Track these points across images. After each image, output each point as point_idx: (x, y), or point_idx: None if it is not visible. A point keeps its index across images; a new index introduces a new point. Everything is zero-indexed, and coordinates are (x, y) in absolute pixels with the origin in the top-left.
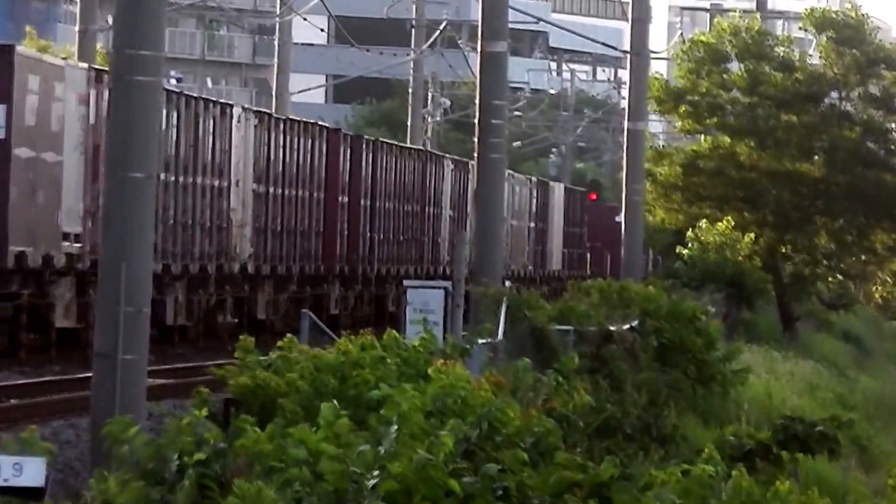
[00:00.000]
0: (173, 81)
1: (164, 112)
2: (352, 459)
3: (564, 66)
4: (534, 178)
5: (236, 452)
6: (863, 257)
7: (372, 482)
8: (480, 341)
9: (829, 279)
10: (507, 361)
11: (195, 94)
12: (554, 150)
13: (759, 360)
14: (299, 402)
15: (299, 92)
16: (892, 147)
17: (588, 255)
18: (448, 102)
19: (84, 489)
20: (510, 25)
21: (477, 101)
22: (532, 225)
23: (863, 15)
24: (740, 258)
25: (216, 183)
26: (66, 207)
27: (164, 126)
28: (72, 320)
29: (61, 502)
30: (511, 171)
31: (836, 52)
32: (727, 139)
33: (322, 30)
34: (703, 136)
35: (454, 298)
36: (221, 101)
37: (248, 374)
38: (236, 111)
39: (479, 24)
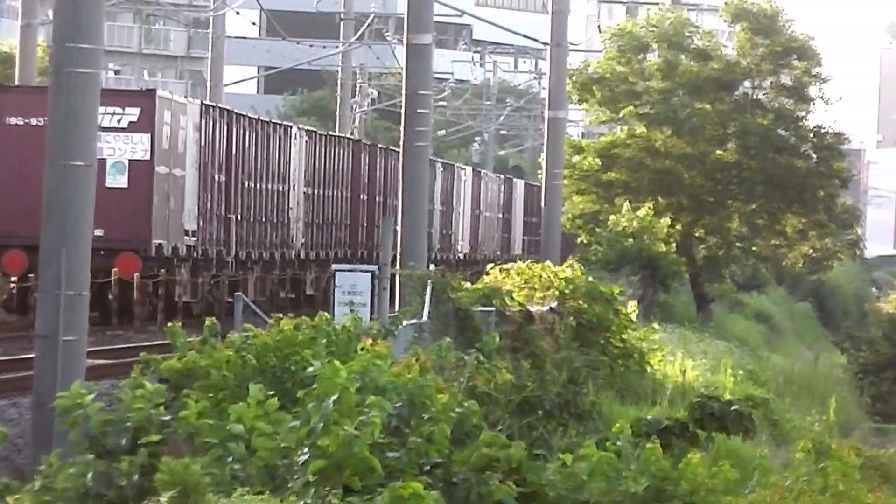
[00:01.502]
0: (111, 74)
1: (246, 133)
2: (283, 436)
3: (487, 58)
4: (501, 176)
5: (176, 428)
6: (774, 240)
7: (302, 458)
8: (406, 322)
9: (742, 262)
10: (431, 341)
11: (268, 119)
12: (477, 137)
13: (675, 339)
14: (233, 382)
15: (232, 83)
16: (803, 134)
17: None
18: (375, 92)
19: (26, 466)
20: (435, 18)
21: (403, 92)
22: (500, 216)
23: (777, 7)
24: (656, 242)
25: (280, 187)
26: (187, 210)
27: (246, 144)
28: (188, 296)
29: (3, 478)
30: (484, 170)
31: (751, 43)
32: (643, 127)
33: (254, 23)
34: (619, 126)
35: (381, 281)
36: (284, 123)
37: (177, 357)
38: (293, 130)
39: (406, 17)
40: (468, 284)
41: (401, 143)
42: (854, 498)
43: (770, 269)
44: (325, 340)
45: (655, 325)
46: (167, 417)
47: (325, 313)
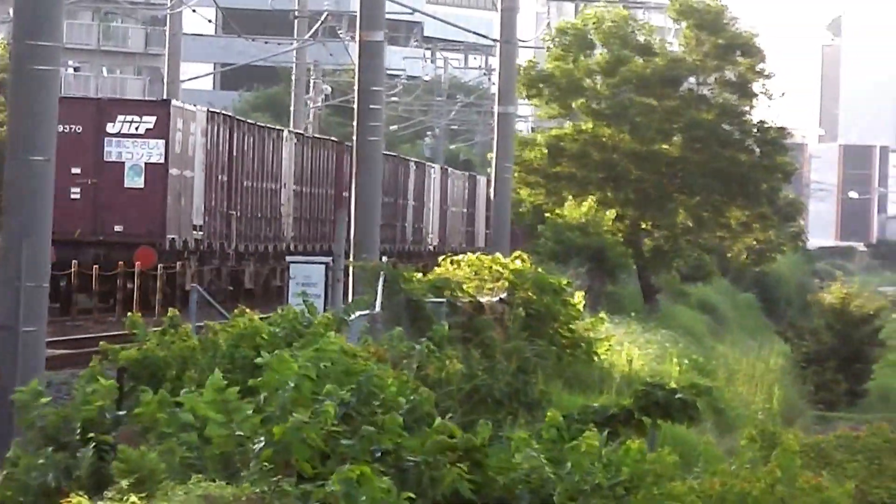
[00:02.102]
0: (70, 71)
1: (244, 136)
2: (238, 424)
3: (438, 54)
4: (466, 173)
5: (130, 420)
6: (718, 233)
7: (257, 446)
8: (358, 313)
9: (688, 253)
10: (384, 332)
11: (263, 124)
12: (429, 132)
13: (622, 329)
14: (191, 372)
15: (189, 79)
16: (746, 129)
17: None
18: (329, 88)
19: None
20: (387, 16)
21: (356, 88)
22: (464, 210)
23: (722, 5)
24: (602, 234)
25: (273, 186)
26: (195, 207)
27: (244, 147)
28: (194, 283)
29: None
30: (450, 168)
31: (696, 39)
32: (590, 123)
33: (210, 21)
34: (567, 121)
35: (334, 273)
36: (276, 127)
37: (136, 347)
38: (284, 134)
39: (358, 14)
40: (419, 275)
41: (354, 138)
42: (797, 484)
43: (715, 260)
44: (282, 331)
45: (603, 316)
46: (121, 413)
47: (282, 307)
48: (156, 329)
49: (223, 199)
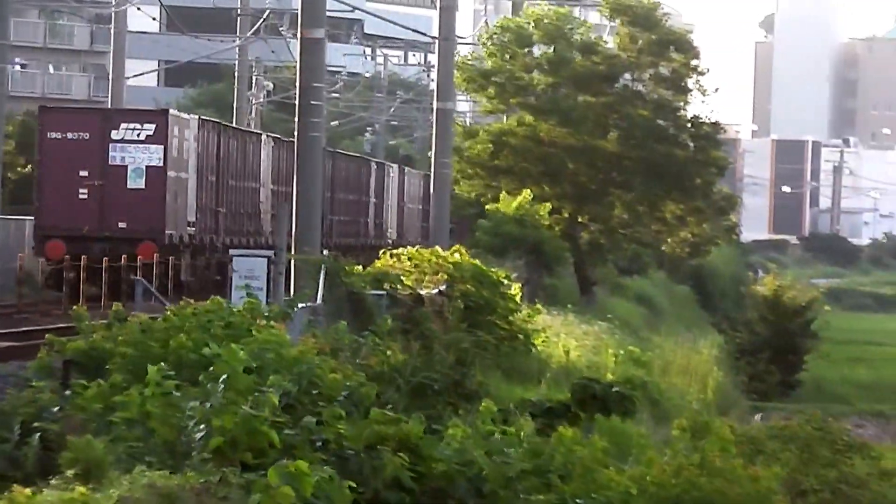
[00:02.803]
0: (17, 68)
1: (229, 141)
2: (180, 415)
3: (378, 52)
4: (421, 172)
5: (72, 412)
6: (654, 226)
7: (200, 435)
8: (301, 305)
9: (624, 247)
10: (326, 324)
11: (244, 129)
12: (369, 128)
13: (559, 321)
14: (131, 363)
15: (134, 76)
16: (681, 124)
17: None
18: (271, 85)
19: None
20: (328, 14)
21: (297, 84)
22: (419, 207)
23: (655, 2)
24: (540, 227)
25: (254, 185)
26: (189, 205)
27: (230, 150)
28: (188, 276)
29: None
30: (407, 168)
31: (630, 37)
32: (530, 117)
33: (154, 19)
34: (506, 116)
35: (276, 266)
36: (256, 131)
37: (82, 339)
38: (263, 137)
39: (300, 12)
40: (359, 268)
41: (295, 134)
42: (730, 472)
43: (651, 253)
44: (222, 323)
45: (540, 307)
46: (55, 408)
47: (220, 297)
48: (102, 321)
49: (212, 197)
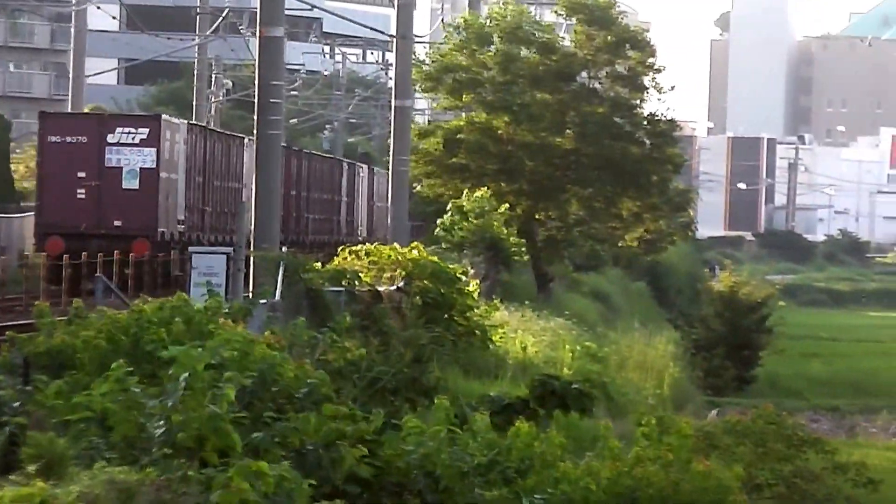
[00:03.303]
0: None
1: (215, 143)
2: (141, 413)
3: (337, 50)
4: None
5: (33, 408)
6: (611, 223)
7: (159, 431)
8: (260, 302)
9: (581, 243)
10: (285, 321)
11: (228, 132)
12: (328, 126)
13: (517, 317)
14: (93, 360)
15: (94, 75)
16: (637, 121)
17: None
18: (230, 83)
19: None
20: (287, 12)
21: (256, 82)
22: (388, 205)
23: (610, 0)
24: (497, 224)
25: (237, 185)
26: (179, 204)
27: (215, 152)
28: (178, 271)
29: None
30: (376, 168)
31: (587, 35)
32: (485, 114)
33: (114, 17)
34: (463, 113)
35: (235, 263)
36: (238, 135)
37: (44, 336)
38: (245, 140)
39: (258, 11)
40: (318, 265)
41: (254, 131)
42: (688, 468)
43: (607, 250)
44: (183, 320)
45: (497, 303)
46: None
47: (183, 294)
48: (62, 318)
49: (199, 197)
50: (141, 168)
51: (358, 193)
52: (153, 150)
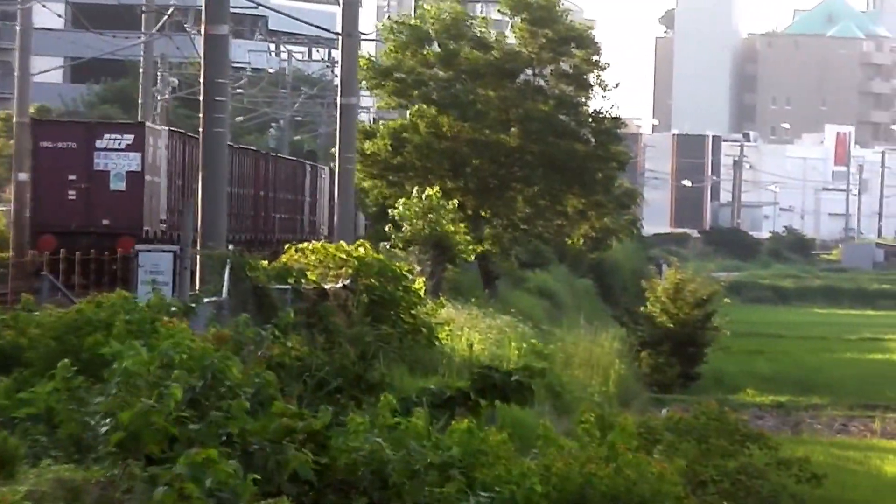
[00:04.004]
0: None
1: (193, 148)
2: (85, 410)
3: (283, 47)
4: None
5: None
6: (556, 221)
7: (104, 429)
8: (206, 300)
9: (526, 241)
10: (231, 318)
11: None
12: (274, 124)
13: (463, 315)
14: (43, 358)
15: (40, 73)
16: (582, 119)
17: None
18: (176, 81)
19: None
20: (232, 10)
21: (202, 80)
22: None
23: None
24: (445, 222)
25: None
26: (161, 205)
27: (193, 157)
28: None
29: None
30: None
31: (530, 33)
32: (430, 112)
33: (59, 15)
34: (408, 111)
35: (182, 261)
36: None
37: None
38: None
39: (203, 9)
40: (264, 263)
41: (200, 129)
42: (635, 465)
43: (552, 247)
44: (126, 318)
45: (443, 301)
46: None
47: (124, 292)
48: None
49: (179, 198)
50: (127, 171)
51: (320, 193)
52: (138, 154)
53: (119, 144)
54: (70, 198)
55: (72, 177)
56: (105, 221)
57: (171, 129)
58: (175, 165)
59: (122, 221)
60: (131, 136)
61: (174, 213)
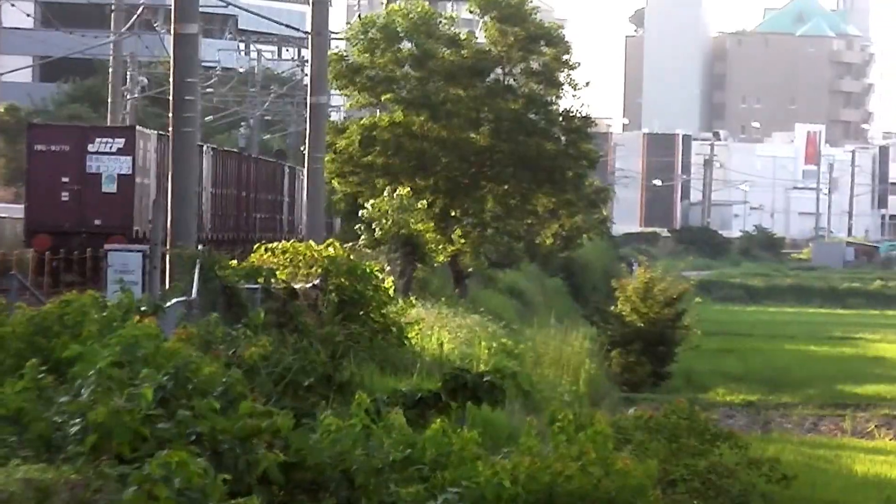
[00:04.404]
0: None
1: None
2: (56, 411)
3: (252, 46)
4: None
5: None
6: (526, 219)
7: (74, 429)
8: (175, 299)
9: (496, 240)
10: (200, 317)
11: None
12: (243, 123)
13: (433, 314)
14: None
15: (9, 72)
16: (552, 118)
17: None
18: (145, 80)
19: None
20: (201, 9)
21: (171, 79)
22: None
23: None
24: (415, 221)
25: (197, 189)
26: (148, 205)
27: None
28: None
29: None
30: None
31: (500, 31)
32: (401, 111)
33: (29, 15)
34: (378, 111)
35: (152, 260)
36: (199, 143)
37: None
38: (205, 148)
39: (173, 8)
40: (234, 262)
41: (170, 128)
42: (607, 465)
43: (523, 246)
44: (95, 317)
45: (413, 300)
46: None
47: (94, 292)
48: None
49: (168, 199)
50: (118, 174)
51: (298, 194)
52: (129, 157)
53: (110, 148)
54: (63, 199)
55: (65, 179)
56: (97, 221)
57: (160, 132)
58: (163, 168)
59: (113, 222)
60: (122, 140)
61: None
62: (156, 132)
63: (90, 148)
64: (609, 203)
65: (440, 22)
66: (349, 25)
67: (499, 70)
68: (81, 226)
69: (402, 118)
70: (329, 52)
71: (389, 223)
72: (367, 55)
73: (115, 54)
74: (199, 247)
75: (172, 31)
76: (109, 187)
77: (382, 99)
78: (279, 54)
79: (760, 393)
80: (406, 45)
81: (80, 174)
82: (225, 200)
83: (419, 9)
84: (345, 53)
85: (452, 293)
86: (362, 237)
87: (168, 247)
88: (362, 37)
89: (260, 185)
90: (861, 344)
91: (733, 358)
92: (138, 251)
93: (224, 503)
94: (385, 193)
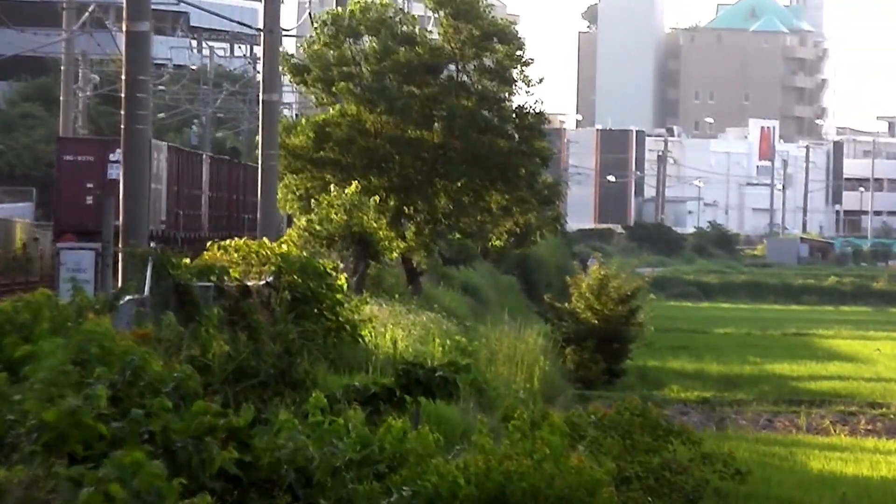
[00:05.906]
0: None
1: (185, 160)
2: (10, 409)
3: (204, 44)
4: None
5: None
6: (479, 217)
7: (27, 428)
8: (127, 297)
9: (449, 237)
10: (153, 316)
11: (190, 150)
12: (196, 120)
13: (387, 312)
14: None
15: None
16: (505, 115)
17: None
18: (97, 78)
19: None
20: (153, 6)
21: (123, 77)
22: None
23: None
24: (367, 218)
25: (198, 192)
26: (162, 208)
27: (185, 167)
28: None
29: None
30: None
31: (454, 28)
32: (354, 108)
33: None
34: (332, 107)
35: (104, 258)
36: (199, 152)
37: None
38: (203, 156)
39: (125, 5)
40: (187, 260)
41: (122, 126)
42: (560, 462)
43: (476, 243)
44: (48, 315)
45: (366, 298)
46: None
47: (47, 290)
48: None
49: (175, 202)
50: None
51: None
52: None
53: None
54: (87, 203)
55: (89, 185)
56: (117, 222)
57: (170, 144)
58: (172, 175)
59: None
60: None
61: (171, 214)
62: (166, 144)
63: (111, 157)
64: (562, 199)
65: (399, 19)
66: (316, 23)
67: (452, 67)
68: (102, 226)
69: (355, 114)
70: (283, 51)
71: (340, 220)
72: (323, 51)
73: (67, 52)
74: (151, 244)
75: (124, 29)
76: None
77: (334, 89)
78: (231, 52)
79: (715, 390)
80: (365, 42)
81: (102, 180)
82: (219, 203)
83: (379, 5)
84: (302, 52)
85: (406, 291)
86: (315, 234)
87: (120, 245)
88: (319, 33)
89: (248, 188)
90: (815, 340)
91: (687, 355)
92: (90, 249)
93: (178, 502)
94: (332, 189)
